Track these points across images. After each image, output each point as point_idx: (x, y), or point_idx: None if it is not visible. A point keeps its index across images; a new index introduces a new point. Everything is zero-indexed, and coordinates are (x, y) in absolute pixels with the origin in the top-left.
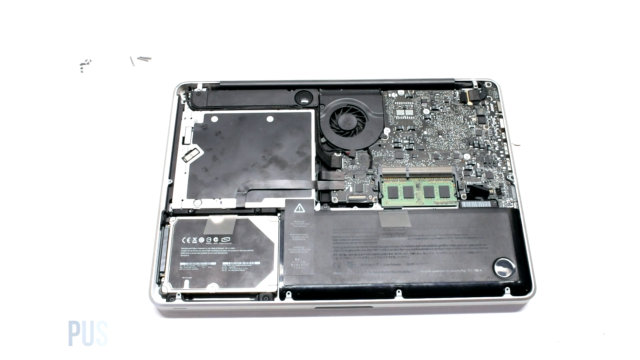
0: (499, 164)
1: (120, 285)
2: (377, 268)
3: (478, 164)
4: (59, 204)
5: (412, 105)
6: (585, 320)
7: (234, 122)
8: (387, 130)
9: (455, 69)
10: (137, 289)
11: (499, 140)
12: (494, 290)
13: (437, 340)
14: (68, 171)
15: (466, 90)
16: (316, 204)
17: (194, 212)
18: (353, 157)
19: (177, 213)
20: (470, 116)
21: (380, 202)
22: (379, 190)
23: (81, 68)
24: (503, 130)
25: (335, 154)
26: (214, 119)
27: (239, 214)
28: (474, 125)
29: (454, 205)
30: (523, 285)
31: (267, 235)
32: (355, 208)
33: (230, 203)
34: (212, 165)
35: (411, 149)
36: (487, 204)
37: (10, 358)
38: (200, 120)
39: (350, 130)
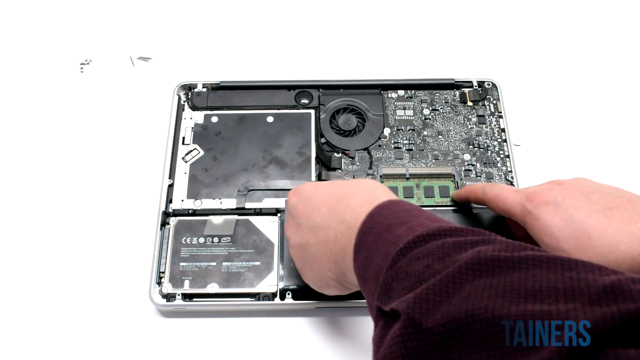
0: (499, 164)
1: (120, 285)
2: None
3: (478, 164)
4: (59, 204)
5: (412, 106)
6: None
7: (234, 122)
8: (387, 131)
9: (455, 69)
10: (137, 289)
11: (499, 140)
12: None
13: None
14: (68, 171)
15: (466, 90)
16: None
17: (194, 213)
18: (353, 158)
19: (177, 213)
20: (470, 116)
21: None
22: None
23: (81, 68)
24: (503, 130)
25: (335, 154)
26: (214, 119)
27: (239, 214)
28: (474, 126)
29: (454, 206)
30: None
31: (267, 236)
32: None
33: (230, 203)
34: (212, 165)
35: (411, 149)
36: None
37: (11, 358)
38: (200, 121)
39: (350, 130)
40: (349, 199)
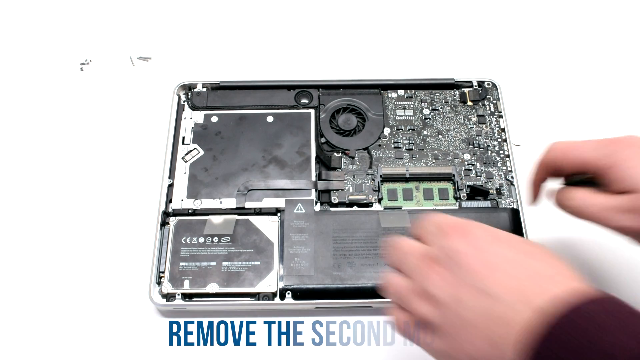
0: (499, 164)
1: (120, 285)
2: (377, 268)
3: (478, 164)
4: (59, 204)
5: (412, 105)
6: None
7: (234, 122)
8: (387, 130)
9: (455, 69)
10: (137, 289)
11: (499, 140)
12: None
13: None
14: (68, 171)
15: (466, 90)
16: (316, 204)
17: (194, 212)
18: (353, 157)
19: (177, 213)
20: (470, 116)
21: (380, 202)
22: (379, 191)
23: (81, 68)
24: (503, 130)
25: (335, 154)
26: (214, 119)
27: (239, 214)
28: (474, 125)
29: (454, 206)
30: None
31: (267, 235)
32: (355, 208)
33: (230, 203)
34: (212, 165)
35: (411, 149)
36: (487, 204)
37: (11, 358)
38: (200, 120)
39: (350, 130)
40: (543, 279)
